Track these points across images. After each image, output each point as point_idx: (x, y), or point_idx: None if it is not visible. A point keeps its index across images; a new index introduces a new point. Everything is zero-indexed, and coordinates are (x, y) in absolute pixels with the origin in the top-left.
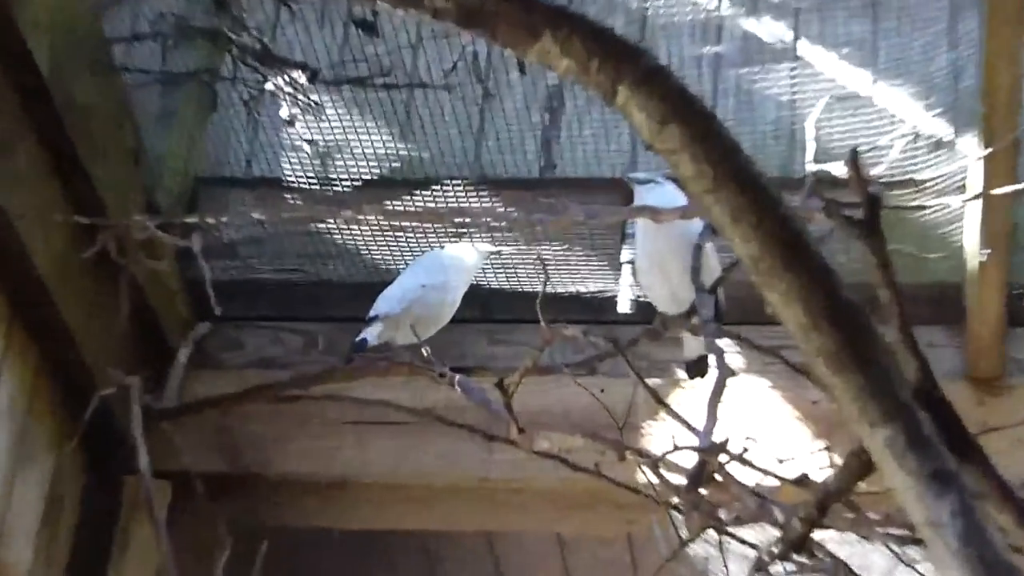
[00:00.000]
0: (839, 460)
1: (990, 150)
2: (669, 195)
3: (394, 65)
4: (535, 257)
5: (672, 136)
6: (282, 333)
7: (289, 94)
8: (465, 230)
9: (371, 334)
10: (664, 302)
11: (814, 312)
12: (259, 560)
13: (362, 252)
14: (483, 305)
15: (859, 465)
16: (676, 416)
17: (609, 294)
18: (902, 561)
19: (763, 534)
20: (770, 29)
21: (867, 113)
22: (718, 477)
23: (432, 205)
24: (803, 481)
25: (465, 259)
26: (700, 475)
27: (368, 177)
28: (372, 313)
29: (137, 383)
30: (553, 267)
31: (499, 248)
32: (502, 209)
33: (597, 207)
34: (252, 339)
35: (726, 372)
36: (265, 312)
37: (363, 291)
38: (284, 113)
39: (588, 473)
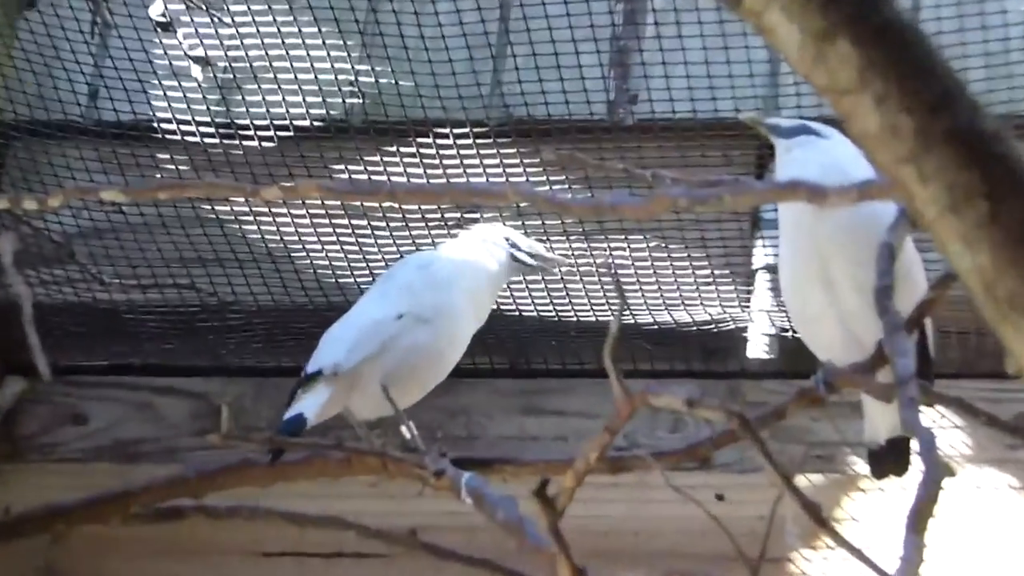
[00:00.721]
0: None
1: None
2: (837, 157)
3: None
4: (600, 265)
5: (841, 62)
6: (155, 397)
7: None
8: (477, 216)
9: (312, 404)
10: (829, 342)
11: None
12: None
13: (296, 256)
14: (512, 347)
15: None
16: (850, 548)
17: (732, 326)
18: None
19: None
20: None
21: None
22: None
23: (419, 172)
24: None
25: (478, 266)
26: None
27: (304, 123)
28: (313, 367)
29: None
30: (632, 282)
31: (549, 257)
32: (542, 180)
33: (710, 182)
34: (102, 408)
35: (940, 470)
36: (125, 360)
37: (297, 325)
38: (155, 11)
39: None
